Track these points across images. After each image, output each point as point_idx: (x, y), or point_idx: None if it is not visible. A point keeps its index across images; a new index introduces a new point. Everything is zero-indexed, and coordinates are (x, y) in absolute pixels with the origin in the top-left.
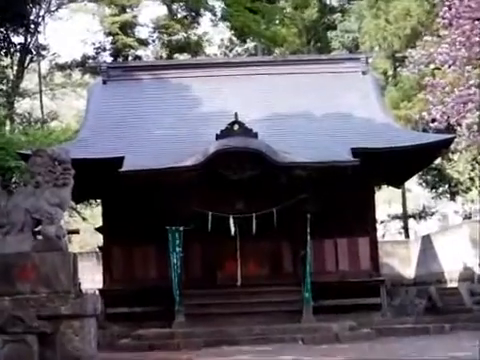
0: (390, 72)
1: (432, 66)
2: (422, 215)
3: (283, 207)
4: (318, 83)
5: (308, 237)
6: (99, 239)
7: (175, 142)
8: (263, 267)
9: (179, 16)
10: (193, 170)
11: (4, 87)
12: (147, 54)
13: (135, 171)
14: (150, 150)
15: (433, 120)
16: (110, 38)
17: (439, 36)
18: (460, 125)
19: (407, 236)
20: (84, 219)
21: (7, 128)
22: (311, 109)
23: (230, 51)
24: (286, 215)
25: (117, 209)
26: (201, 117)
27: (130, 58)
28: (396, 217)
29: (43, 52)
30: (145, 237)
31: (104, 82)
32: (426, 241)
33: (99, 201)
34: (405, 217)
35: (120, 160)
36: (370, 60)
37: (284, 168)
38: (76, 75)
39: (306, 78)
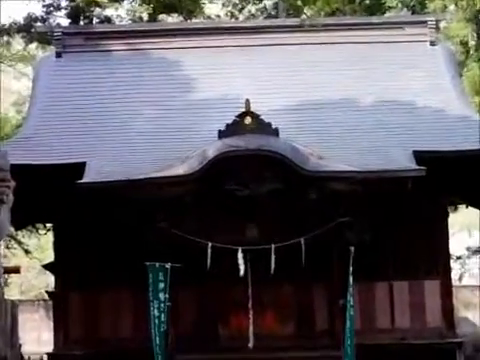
0: (471, 42)
1: None
2: None
3: (315, 236)
4: (367, 58)
5: (350, 279)
6: (49, 281)
7: (160, 141)
8: (286, 322)
9: None
10: (185, 182)
11: None
12: (120, 15)
13: (101, 183)
14: (123, 153)
15: None
16: None
17: None
18: None
19: None
20: (27, 252)
21: None
22: (356, 95)
23: (239, 11)
24: (319, 247)
25: (75, 238)
26: (197, 105)
27: (95, 21)
28: (479, 251)
29: None
30: (116, 278)
31: (58, 55)
32: None
33: (49, 226)
34: None
35: (80, 167)
36: (442, 25)
37: (317, 180)
38: (17, 44)
39: (349, 51)
